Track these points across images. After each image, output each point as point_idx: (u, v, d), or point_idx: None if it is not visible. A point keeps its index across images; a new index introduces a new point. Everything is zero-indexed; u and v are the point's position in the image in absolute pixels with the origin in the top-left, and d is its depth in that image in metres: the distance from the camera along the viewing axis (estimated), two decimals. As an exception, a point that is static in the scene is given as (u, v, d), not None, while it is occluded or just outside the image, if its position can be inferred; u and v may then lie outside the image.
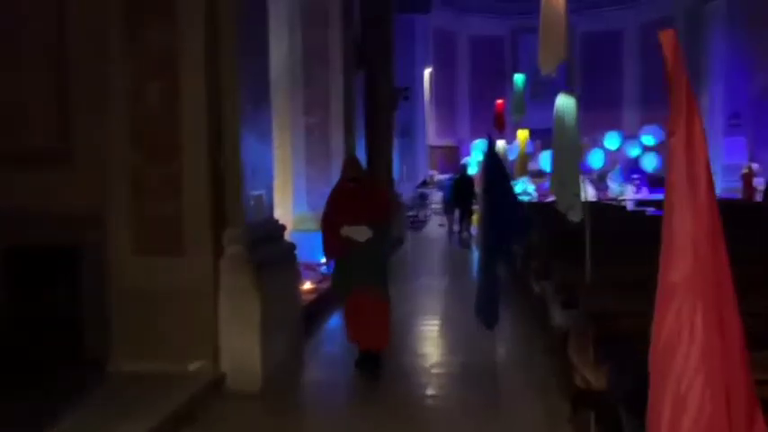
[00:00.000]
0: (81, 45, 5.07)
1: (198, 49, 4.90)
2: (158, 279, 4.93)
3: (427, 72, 26.22)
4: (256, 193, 5.40)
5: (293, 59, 9.87)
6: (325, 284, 8.40)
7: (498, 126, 11.18)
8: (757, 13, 22.69)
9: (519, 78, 10.08)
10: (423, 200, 20.07)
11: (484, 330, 5.89)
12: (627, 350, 3.30)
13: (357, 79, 10.44)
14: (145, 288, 4.90)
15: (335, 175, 10.26)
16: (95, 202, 4.95)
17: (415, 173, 24.11)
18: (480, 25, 29.07)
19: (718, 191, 19.30)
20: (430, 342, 6.35)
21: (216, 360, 4.95)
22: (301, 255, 9.70)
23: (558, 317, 4.47)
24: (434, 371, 5.53)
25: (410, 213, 18.42)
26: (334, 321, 7.59)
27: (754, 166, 18.33)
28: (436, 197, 22.01)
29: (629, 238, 6.38)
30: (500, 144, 15.62)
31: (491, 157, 5.85)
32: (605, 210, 10.95)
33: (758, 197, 16.74)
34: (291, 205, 10.05)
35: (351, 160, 5.98)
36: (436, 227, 19.31)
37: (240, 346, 4.94)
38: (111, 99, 4.88)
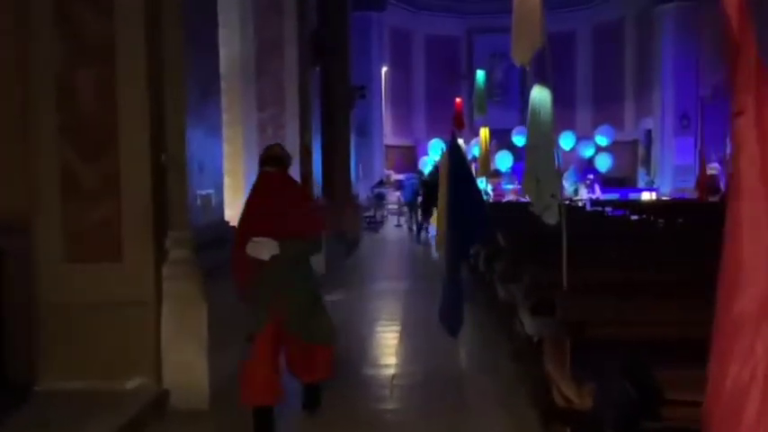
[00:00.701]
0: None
1: (138, 34, 4.44)
2: (93, 288, 4.45)
3: (383, 70, 25.96)
4: (204, 192, 4.97)
5: (246, 52, 9.40)
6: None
7: (458, 125, 10.94)
8: (705, 15, 23.19)
9: (480, 75, 9.85)
10: (380, 200, 19.76)
11: (447, 336, 5.59)
12: (609, 366, 3.03)
13: (313, 75, 10.04)
14: (77, 299, 4.42)
15: (292, 175, 9.86)
16: (20, 204, 4.44)
17: (372, 173, 23.79)
18: (436, 24, 28.95)
19: (669, 190, 19.56)
20: (390, 350, 6.02)
21: (158, 376, 4.51)
22: (254, 257, 9.30)
23: (528, 324, 4.19)
24: (395, 382, 5.19)
25: (367, 214, 18.08)
26: (289, 328, 7.19)
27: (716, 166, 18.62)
28: (393, 197, 21.74)
29: (596, 239, 6.18)
30: (459, 144, 15.37)
31: (455, 154, 5.55)
32: (568, 211, 10.80)
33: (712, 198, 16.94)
34: (241, 206, 9.57)
35: (274, 144, 4.51)
36: (393, 227, 19.04)
37: (185, 360, 4.51)
38: (36, 85, 4.37)
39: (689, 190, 21.48)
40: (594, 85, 28.71)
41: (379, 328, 6.81)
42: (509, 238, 5.87)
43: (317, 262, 9.33)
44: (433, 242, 13.05)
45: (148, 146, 4.45)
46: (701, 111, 23.92)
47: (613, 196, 20.77)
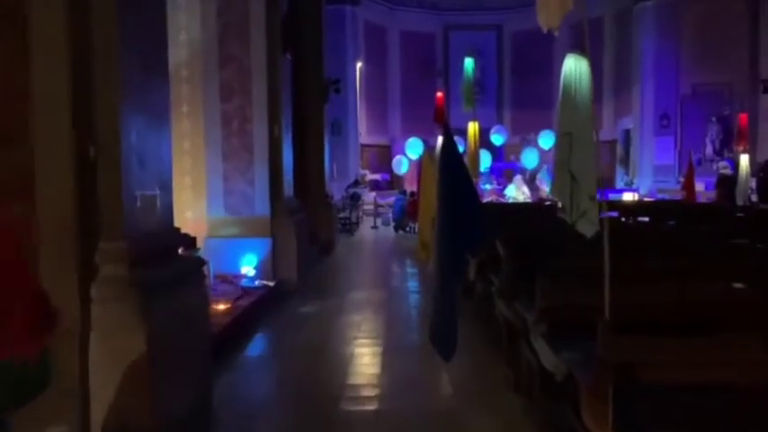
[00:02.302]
0: None
1: (58, -4, 3.52)
2: None
3: (358, 67, 25.09)
4: (146, 192, 4.05)
5: (207, 36, 8.46)
6: (246, 301, 7.08)
7: (439, 120, 10.11)
8: (684, 14, 22.85)
9: (468, 64, 9.02)
10: (355, 200, 18.84)
11: (434, 359, 4.76)
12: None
13: (284, 63, 9.12)
14: (-22, 327, 3.48)
15: (259, 173, 8.96)
16: None
17: (347, 172, 22.90)
18: (412, 20, 28.21)
19: (648, 191, 19.03)
20: (370, 379, 5.15)
21: (85, 423, 3.59)
22: (217, 265, 8.35)
23: (548, 358, 3.38)
24: (380, 419, 4.34)
25: (341, 216, 17.17)
26: (256, 347, 6.29)
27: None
28: (369, 197, 20.88)
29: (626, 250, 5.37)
30: (440, 140, 14.60)
31: (450, 151, 4.71)
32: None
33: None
34: (205, 207, 8.64)
35: None
36: (369, 229, 18.19)
37: (120, 401, 3.60)
38: None
39: (669, 191, 21.05)
40: (572, 83, 28.21)
41: (358, 350, 5.94)
42: (510, 245, 5.05)
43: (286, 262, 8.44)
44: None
45: (71, 133, 3.53)
46: (680, 110, 23.58)
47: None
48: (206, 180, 8.57)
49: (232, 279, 8.15)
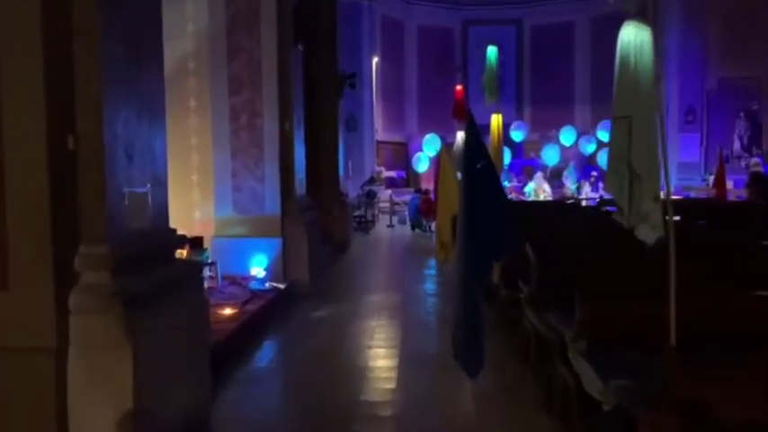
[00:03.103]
0: None
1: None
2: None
3: (374, 62, 24.62)
4: (135, 189, 3.62)
5: (215, 26, 8.04)
6: (254, 304, 6.66)
7: (459, 116, 9.62)
8: (709, 5, 22.13)
9: (492, 52, 8.51)
10: (370, 198, 18.37)
11: (456, 373, 4.29)
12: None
13: (296, 55, 8.68)
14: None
15: (269, 170, 8.52)
16: None
17: (362, 170, 22.45)
18: (429, 15, 27.69)
19: (675, 188, 18.39)
20: (385, 395, 4.68)
21: (63, 452, 3.18)
22: (225, 266, 7.94)
23: (594, 384, 2.89)
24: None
25: (356, 214, 16.72)
26: (264, 356, 5.86)
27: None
28: (385, 195, 20.42)
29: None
30: (459, 136, 14.15)
31: (474, 145, 4.23)
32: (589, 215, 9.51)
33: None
34: (213, 206, 8.23)
35: None
36: (385, 227, 17.73)
37: (102, 426, 3.18)
38: None
39: (695, 189, 20.38)
40: (593, 78, 27.56)
41: (372, 363, 5.48)
42: (541, 248, 4.56)
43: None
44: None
45: (46, 120, 3.11)
46: (706, 105, 22.89)
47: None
48: (213, 177, 8.16)
49: (241, 281, 7.73)
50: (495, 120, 8.31)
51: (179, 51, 8.19)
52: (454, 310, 4.32)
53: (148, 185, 3.78)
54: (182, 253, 7.40)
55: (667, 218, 2.41)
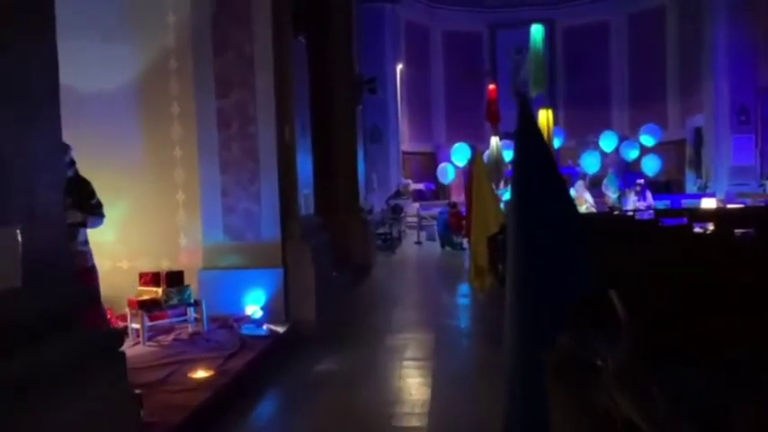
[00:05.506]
0: None
1: None
2: None
3: (399, 68, 23.30)
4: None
5: (198, 16, 6.73)
6: (240, 360, 5.23)
7: (492, 118, 8.15)
8: (760, -2, 20.42)
9: (537, 32, 6.99)
10: (396, 213, 16.91)
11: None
12: None
13: (296, 49, 7.30)
14: None
15: (266, 186, 7.11)
16: None
17: (388, 182, 21.06)
18: (455, 19, 26.32)
19: (725, 195, 16.53)
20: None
21: None
22: (214, 305, 6.54)
23: None
24: None
25: (381, 230, 15.29)
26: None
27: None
28: (412, 209, 18.96)
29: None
30: (494, 142, 12.66)
31: (529, 141, 2.82)
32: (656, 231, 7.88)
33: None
34: (201, 232, 6.86)
35: None
36: (413, 245, 16.26)
37: None
38: None
39: (751, 195, 18.55)
40: (632, 80, 25.89)
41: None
42: (634, 300, 3.04)
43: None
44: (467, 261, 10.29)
45: None
46: (760, 104, 21.07)
47: (664, 203, 17.81)
48: (200, 195, 6.81)
49: (233, 323, 6.34)
50: (545, 116, 6.79)
51: (157, 47, 6.90)
52: (507, 390, 2.88)
53: (16, 217, 2.39)
54: (156, 292, 6.06)
55: None
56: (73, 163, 5.08)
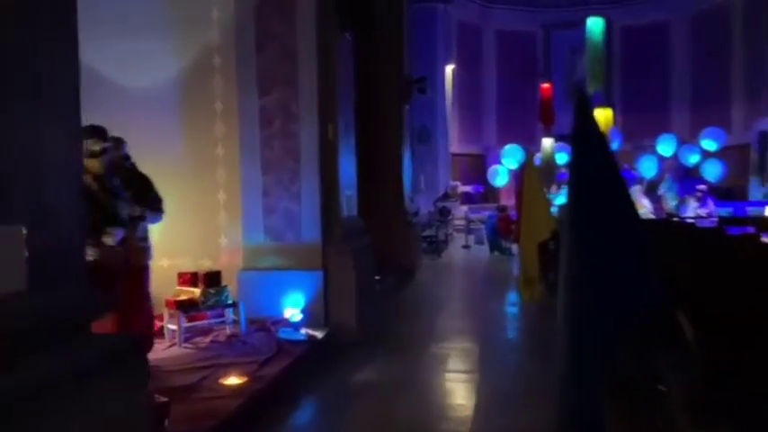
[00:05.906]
0: None
1: None
2: None
3: (449, 69, 22.93)
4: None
5: (242, 9, 6.59)
6: (275, 366, 5.04)
7: (545, 119, 7.76)
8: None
9: (596, 24, 6.42)
10: (444, 215, 16.57)
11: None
12: None
13: (342, 45, 7.09)
14: None
15: (307, 186, 6.94)
16: None
17: (436, 184, 20.72)
18: (508, 19, 25.75)
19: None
20: None
21: None
22: (253, 307, 6.39)
23: None
24: None
25: (427, 233, 14.99)
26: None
27: None
28: (460, 211, 18.58)
29: None
30: (547, 144, 12.21)
31: (591, 141, 2.52)
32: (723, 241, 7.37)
33: None
34: (241, 232, 6.72)
35: None
36: (460, 248, 15.89)
37: None
38: None
39: None
40: (693, 82, 24.79)
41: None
42: (708, 317, 2.69)
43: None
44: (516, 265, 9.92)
45: None
46: None
47: (727, 211, 16.89)
48: (240, 195, 6.67)
49: (270, 326, 6.17)
50: (603, 116, 6.38)
51: (201, 43, 6.80)
52: (560, 393, 2.59)
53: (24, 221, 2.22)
54: (194, 292, 5.94)
55: None
56: (128, 157, 5.05)
